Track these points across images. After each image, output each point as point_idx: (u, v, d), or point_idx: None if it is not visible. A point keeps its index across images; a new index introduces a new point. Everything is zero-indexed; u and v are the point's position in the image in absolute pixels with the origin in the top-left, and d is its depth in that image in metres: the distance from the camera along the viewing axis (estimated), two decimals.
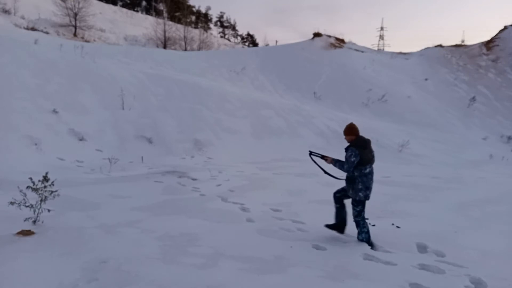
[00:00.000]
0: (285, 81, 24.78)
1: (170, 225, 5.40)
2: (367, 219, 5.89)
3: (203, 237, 4.92)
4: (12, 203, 4.84)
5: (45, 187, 5.06)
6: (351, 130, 4.79)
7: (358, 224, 4.83)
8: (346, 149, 4.76)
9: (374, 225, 5.56)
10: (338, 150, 15.17)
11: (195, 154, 12.57)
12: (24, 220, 4.90)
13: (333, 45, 30.44)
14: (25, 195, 4.97)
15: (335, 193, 5.06)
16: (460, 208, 6.67)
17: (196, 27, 64.40)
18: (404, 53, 32.38)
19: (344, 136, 4.88)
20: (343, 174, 4.88)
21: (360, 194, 4.70)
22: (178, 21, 54.83)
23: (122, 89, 14.28)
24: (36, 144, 10.26)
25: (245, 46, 76.03)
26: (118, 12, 58.97)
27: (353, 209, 4.82)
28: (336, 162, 4.79)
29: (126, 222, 5.50)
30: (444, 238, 5.01)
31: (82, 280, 3.58)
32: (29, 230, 4.71)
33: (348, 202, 4.99)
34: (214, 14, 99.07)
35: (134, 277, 3.67)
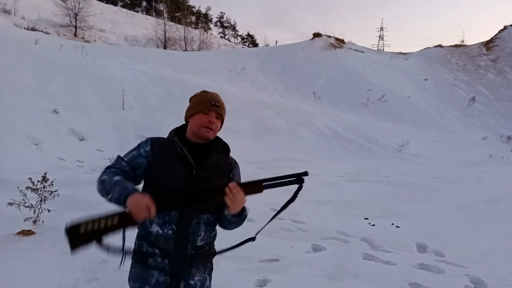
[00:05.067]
0: (285, 82, 24.79)
1: None
2: (367, 218, 5.92)
3: None
4: (10, 204, 4.84)
5: (44, 187, 5.07)
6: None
7: None
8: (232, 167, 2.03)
9: (373, 225, 5.56)
10: (338, 150, 15.29)
11: None
12: (24, 220, 4.90)
13: (333, 46, 30.46)
14: (25, 195, 4.97)
15: None
16: (460, 208, 6.67)
17: (196, 28, 64.35)
18: (404, 53, 32.42)
19: (218, 121, 1.92)
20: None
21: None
22: (178, 21, 54.82)
23: (122, 89, 14.29)
24: (36, 144, 10.27)
25: (245, 47, 75.97)
26: (118, 13, 58.94)
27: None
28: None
29: None
30: (444, 238, 5.01)
31: (82, 280, 3.58)
32: (29, 230, 4.71)
33: None
34: (214, 15, 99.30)
35: None
